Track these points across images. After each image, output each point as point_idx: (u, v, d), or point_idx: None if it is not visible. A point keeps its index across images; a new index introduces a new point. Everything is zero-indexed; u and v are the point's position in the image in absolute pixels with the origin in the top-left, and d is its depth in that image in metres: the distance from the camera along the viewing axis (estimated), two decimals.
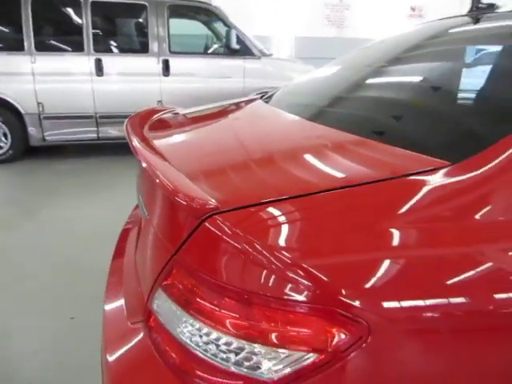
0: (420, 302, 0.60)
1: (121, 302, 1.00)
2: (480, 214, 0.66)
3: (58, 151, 4.83)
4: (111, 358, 0.83)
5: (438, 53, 1.43)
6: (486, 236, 0.66)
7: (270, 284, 0.60)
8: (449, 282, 0.62)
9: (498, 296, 0.63)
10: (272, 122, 1.32)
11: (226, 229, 0.63)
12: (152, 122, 1.22)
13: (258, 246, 0.61)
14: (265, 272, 0.60)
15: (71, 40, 4.50)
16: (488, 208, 0.67)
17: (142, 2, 4.53)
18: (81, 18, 4.35)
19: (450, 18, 1.49)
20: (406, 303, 0.60)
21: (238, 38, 4.75)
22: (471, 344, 0.63)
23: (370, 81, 1.44)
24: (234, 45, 4.72)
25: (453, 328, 0.63)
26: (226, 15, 4.86)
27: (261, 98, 1.68)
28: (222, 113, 1.53)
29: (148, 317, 0.81)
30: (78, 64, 4.41)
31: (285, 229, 0.65)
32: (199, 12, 4.96)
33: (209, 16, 5.00)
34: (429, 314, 0.61)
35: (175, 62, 4.69)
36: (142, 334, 0.82)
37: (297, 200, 0.68)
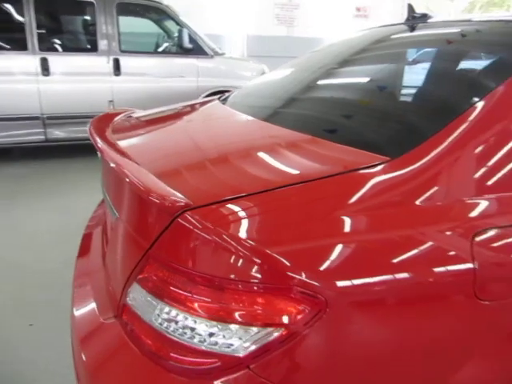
0: (369, 279, 0.70)
1: (91, 300, 1.03)
2: (419, 200, 0.77)
3: (5, 154, 4.60)
4: (87, 355, 0.87)
5: (379, 57, 1.56)
6: (426, 219, 0.77)
7: (238, 269, 0.67)
8: (393, 261, 0.72)
9: (436, 270, 0.74)
10: (230, 123, 1.39)
11: (197, 224, 0.70)
12: (115, 124, 1.25)
13: (226, 238, 0.68)
14: (233, 259, 0.67)
15: (14, 38, 4.29)
16: (426, 195, 0.78)
17: None
18: (24, 15, 4.16)
19: (390, 25, 1.64)
20: (356, 280, 0.69)
21: (190, 36, 4.75)
22: (415, 314, 0.74)
23: (319, 82, 1.55)
24: (187, 44, 4.71)
25: (398, 300, 0.73)
26: (176, 14, 4.84)
27: (218, 99, 1.75)
28: (182, 114, 1.58)
29: (122, 311, 0.85)
30: (22, 63, 4.22)
31: (249, 221, 0.72)
32: (149, 10, 4.90)
33: (159, 14, 4.95)
34: (377, 289, 0.71)
35: (126, 61, 4.62)
36: (115, 328, 0.86)
37: (258, 195, 0.76)
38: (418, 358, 0.75)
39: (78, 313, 1.01)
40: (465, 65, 1.29)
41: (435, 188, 0.79)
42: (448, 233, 0.76)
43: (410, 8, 1.50)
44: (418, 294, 0.74)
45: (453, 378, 0.77)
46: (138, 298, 0.78)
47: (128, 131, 1.27)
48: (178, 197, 0.71)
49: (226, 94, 1.79)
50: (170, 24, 5.01)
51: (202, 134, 1.29)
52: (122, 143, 1.04)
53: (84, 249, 1.33)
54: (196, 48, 4.86)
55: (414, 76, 1.37)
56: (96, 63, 4.51)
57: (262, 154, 1.01)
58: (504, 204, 0.82)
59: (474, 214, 0.79)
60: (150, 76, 4.76)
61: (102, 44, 4.50)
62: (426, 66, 1.36)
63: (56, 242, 2.60)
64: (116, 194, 0.98)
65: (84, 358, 0.86)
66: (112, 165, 0.88)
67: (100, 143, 0.98)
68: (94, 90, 4.52)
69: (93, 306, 1.01)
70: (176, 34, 4.87)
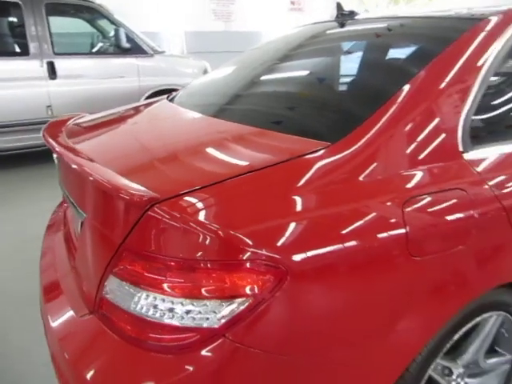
0: (321, 248, 0.81)
1: (63, 302, 1.07)
2: (361, 177, 0.90)
3: None
4: (70, 352, 0.91)
5: (314, 52, 1.70)
6: (369, 193, 0.90)
7: (207, 251, 0.76)
8: (341, 231, 0.84)
9: (378, 236, 0.87)
10: (180, 121, 1.45)
11: (166, 215, 0.77)
12: (67, 129, 1.27)
13: (193, 225, 0.76)
14: (201, 243, 0.76)
15: None
16: (366, 172, 0.91)
17: (15, 0, 4.19)
18: None
19: (322, 22, 1.77)
20: (311, 250, 0.80)
21: (127, 36, 4.66)
22: (362, 275, 0.87)
23: (262, 78, 1.65)
24: (124, 43, 4.62)
25: (347, 265, 0.85)
26: (110, 12, 4.73)
27: (166, 98, 1.80)
28: (133, 114, 1.62)
29: (99, 305, 0.91)
30: None
31: (211, 209, 0.81)
32: (81, 10, 4.73)
33: (92, 14, 4.80)
34: (328, 256, 0.82)
35: (61, 64, 4.44)
36: (93, 323, 0.92)
37: (217, 186, 0.84)
38: (366, 312, 0.88)
39: (52, 315, 1.04)
40: (390, 55, 1.44)
41: (373, 165, 0.92)
42: (385, 202, 0.90)
43: (339, 6, 1.65)
44: (364, 258, 0.86)
45: (396, 325, 0.92)
46: (115, 289, 0.84)
47: (82, 135, 1.29)
48: (147, 192, 0.78)
49: (174, 94, 1.84)
50: (104, 23, 4.88)
51: (155, 133, 1.35)
52: (80, 146, 1.08)
53: (47, 251, 1.34)
54: (134, 47, 4.78)
55: (347, 68, 1.51)
56: (28, 67, 4.30)
57: (214, 148, 1.09)
58: (432, 174, 0.97)
59: (406, 184, 0.93)
60: (88, 78, 4.62)
61: (33, 47, 4.30)
62: (357, 58, 1.52)
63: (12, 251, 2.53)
64: (82, 195, 1.02)
65: (67, 355, 0.90)
66: (76, 167, 0.92)
67: (59, 148, 1.01)
68: (28, 95, 4.31)
69: (66, 306, 1.05)
70: (112, 34, 4.76)
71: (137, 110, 1.66)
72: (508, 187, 1.04)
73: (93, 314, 0.94)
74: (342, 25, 1.64)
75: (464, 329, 1.06)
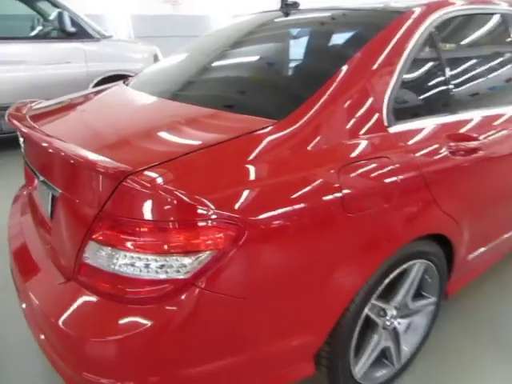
0: (273, 209, 0.97)
1: (41, 276, 1.16)
2: (303, 148, 1.06)
3: None
4: (56, 317, 1.00)
5: (263, 38, 1.85)
6: (310, 161, 1.06)
7: (176, 214, 0.89)
8: (291, 195, 1.00)
9: (321, 197, 1.04)
10: (140, 103, 1.55)
11: (138, 184, 0.89)
12: (30, 113, 1.33)
13: (162, 192, 0.89)
14: (171, 207, 0.89)
15: None
16: (308, 144, 1.07)
17: None
18: None
19: (269, 11, 1.91)
20: (264, 211, 0.96)
21: (72, 19, 4.52)
22: (307, 232, 1.03)
23: (215, 63, 1.77)
24: (69, 27, 4.49)
25: (295, 223, 1.01)
26: None
27: (123, 82, 1.88)
28: (92, 97, 1.69)
29: (78, 272, 1.02)
30: None
31: (178, 178, 0.93)
32: None
33: None
34: (279, 216, 0.98)
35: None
36: (72, 287, 1.03)
37: (181, 159, 0.97)
38: (311, 261, 1.06)
39: (32, 289, 1.13)
40: (328, 41, 1.62)
41: (314, 138, 1.09)
42: (323, 169, 1.07)
43: None
44: (307, 215, 1.03)
45: (336, 272, 1.10)
46: (94, 253, 0.95)
47: (47, 118, 1.35)
48: (122, 166, 0.89)
49: (130, 79, 1.92)
50: (44, 5, 4.69)
51: (117, 114, 1.44)
52: (49, 128, 1.16)
53: (15, 230, 1.41)
54: (80, 31, 4.65)
55: (291, 53, 1.67)
56: None
57: (174, 127, 1.21)
58: (362, 145, 1.15)
59: (340, 153, 1.11)
60: (30, 64, 4.44)
61: None
62: (301, 43, 1.68)
63: None
64: (56, 173, 1.11)
65: (53, 320, 0.99)
66: (51, 147, 1.01)
67: (29, 130, 1.09)
68: None
69: (43, 277, 1.14)
70: (52, 17, 4.58)
71: (96, 94, 1.72)
72: (425, 155, 1.26)
73: (71, 280, 1.04)
74: (287, 14, 1.78)
75: (392, 275, 1.28)
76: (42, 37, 4.67)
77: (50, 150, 1.01)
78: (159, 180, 0.91)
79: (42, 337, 1.08)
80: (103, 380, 0.95)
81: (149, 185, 0.89)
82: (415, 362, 1.58)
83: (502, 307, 1.92)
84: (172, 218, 0.89)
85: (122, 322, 0.93)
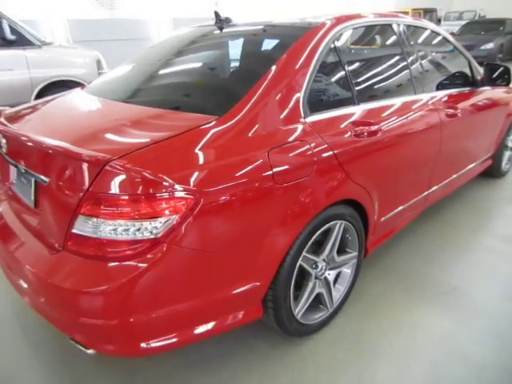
0: (221, 185, 1.28)
1: (30, 251, 1.40)
2: (248, 133, 1.38)
3: None
4: (54, 280, 1.25)
5: (202, 48, 2.16)
6: (246, 146, 1.38)
7: (147, 187, 1.18)
8: (234, 173, 1.31)
9: (260, 174, 1.36)
10: (101, 105, 1.79)
11: (117, 168, 1.17)
12: (5, 117, 1.56)
13: (134, 173, 1.18)
14: (143, 183, 1.18)
15: None
16: (251, 131, 1.40)
17: None
18: None
19: (206, 25, 2.23)
20: (214, 186, 1.27)
21: (10, 27, 4.54)
22: (248, 201, 1.36)
23: (161, 70, 2.06)
24: (9, 35, 4.51)
25: (238, 195, 1.33)
26: None
27: (81, 88, 2.11)
28: (55, 102, 1.92)
29: (67, 242, 1.27)
30: None
31: (147, 162, 1.21)
32: None
33: None
34: (225, 189, 1.29)
35: None
36: (63, 255, 1.28)
37: (146, 148, 1.25)
38: (252, 223, 1.39)
39: (25, 263, 1.36)
40: (259, 47, 1.97)
41: (248, 128, 1.42)
42: (257, 151, 1.40)
43: (216, 14, 2.12)
44: (247, 187, 1.35)
45: (272, 230, 1.44)
46: (82, 224, 1.22)
47: (23, 120, 1.58)
48: (103, 155, 1.17)
49: (87, 85, 2.15)
50: None
51: (82, 114, 1.71)
52: (30, 128, 1.40)
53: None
54: (20, 38, 4.67)
55: (227, 60, 2.01)
56: None
57: (133, 124, 1.49)
58: (285, 131, 1.49)
59: (269, 139, 1.45)
60: None
61: None
62: (235, 51, 2.02)
63: None
64: (42, 165, 1.35)
65: (51, 282, 1.24)
66: (37, 144, 1.26)
67: (13, 130, 1.33)
68: None
69: (34, 253, 1.38)
70: None
71: (58, 99, 1.95)
72: (334, 138, 1.63)
73: (61, 251, 1.30)
74: (221, 28, 2.10)
75: (318, 232, 1.64)
76: None
77: (39, 146, 1.26)
78: (131, 165, 1.19)
79: (42, 299, 1.33)
80: (95, 321, 1.22)
81: (124, 168, 1.18)
82: (347, 306, 1.97)
83: (415, 261, 2.38)
84: (143, 192, 1.18)
85: (107, 275, 1.21)
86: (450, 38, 2.62)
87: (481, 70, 2.83)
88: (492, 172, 3.44)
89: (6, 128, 1.37)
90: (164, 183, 1.19)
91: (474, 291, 2.11)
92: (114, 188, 1.18)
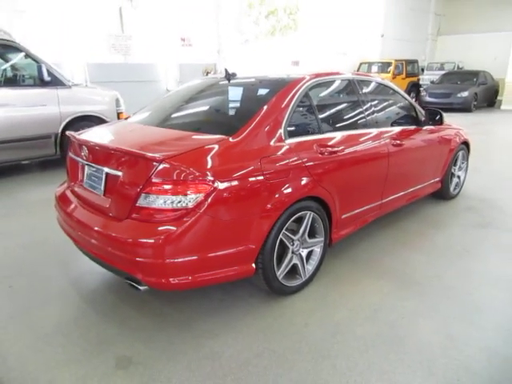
0: (231, 178, 2.06)
1: (98, 220, 2.16)
2: (249, 147, 2.19)
3: None
4: (122, 235, 2.00)
5: (213, 93, 3.03)
6: (247, 155, 2.17)
7: (185, 177, 1.96)
8: (238, 172, 2.10)
9: (254, 174, 2.14)
10: (145, 128, 2.61)
11: (169, 164, 1.95)
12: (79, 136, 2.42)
13: (180, 167, 1.96)
14: (183, 174, 1.95)
15: None
16: (246, 147, 2.20)
17: None
18: None
19: (217, 77, 3.11)
20: (226, 178, 2.04)
21: (47, 70, 5.44)
22: (248, 192, 2.13)
23: (187, 105, 2.90)
24: (46, 77, 5.40)
25: (239, 187, 2.10)
26: (29, 50, 5.45)
27: (125, 119, 2.95)
28: (113, 127, 2.78)
29: (130, 213, 2.03)
30: None
31: (186, 161, 1.99)
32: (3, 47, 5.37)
33: (5, 49, 5.45)
34: (233, 184, 2.07)
35: None
36: (129, 221, 2.03)
37: (188, 152, 2.05)
38: (249, 208, 2.16)
39: (98, 227, 2.12)
40: (253, 95, 2.83)
41: (249, 144, 2.22)
42: (255, 160, 2.19)
43: (226, 70, 2.99)
44: (247, 182, 2.13)
45: (263, 213, 2.20)
46: (146, 198, 1.98)
47: (95, 136, 2.41)
48: (161, 156, 1.96)
49: (131, 116, 2.99)
50: (13, 56, 5.56)
51: (136, 133, 2.54)
52: (105, 140, 2.22)
53: (65, 202, 2.40)
54: (54, 80, 5.57)
55: (235, 101, 2.86)
56: None
57: (176, 138, 2.30)
58: (272, 148, 2.29)
59: (261, 152, 2.24)
60: (12, 106, 5.25)
61: None
62: (238, 96, 2.88)
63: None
64: (116, 163, 2.13)
65: (120, 237, 1.99)
66: (114, 150, 2.09)
67: (93, 142, 2.15)
68: None
69: (104, 222, 2.14)
70: (21, 66, 5.47)
71: (115, 125, 2.82)
72: (305, 154, 2.43)
73: (126, 219, 2.05)
74: (229, 79, 2.97)
75: (292, 218, 2.40)
76: (25, 84, 5.52)
77: (117, 151, 2.07)
78: (178, 162, 1.98)
79: (110, 249, 2.06)
80: (148, 260, 1.96)
81: (173, 164, 1.96)
82: (317, 279, 2.69)
83: (372, 253, 3.13)
84: (184, 178, 1.95)
85: (158, 230, 1.96)
86: (396, 88, 3.52)
87: (423, 112, 3.71)
88: (442, 194, 4.25)
89: (87, 140, 2.22)
90: (196, 174, 1.97)
91: (411, 272, 2.85)
92: (167, 176, 1.95)
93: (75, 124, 5.91)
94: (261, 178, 2.18)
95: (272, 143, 2.33)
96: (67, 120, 5.78)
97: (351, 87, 3.06)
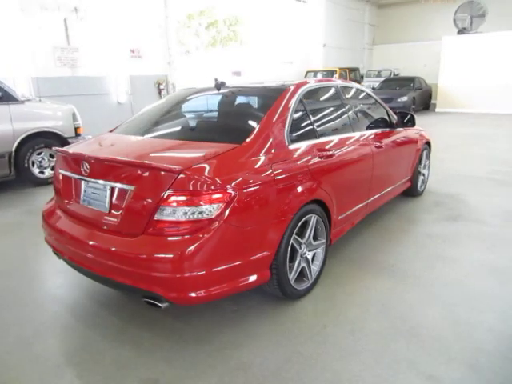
0: (245, 190, 2.05)
1: (107, 239, 2.06)
2: (254, 156, 2.19)
3: None
4: (138, 252, 1.92)
5: (209, 102, 3.01)
6: (258, 161, 2.18)
7: (205, 187, 1.92)
8: (252, 178, 2.10)
9: (266, 179, 2.15)
10: (141, 139, 2.52)
11: (186, 175, 1.91)
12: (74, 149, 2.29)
13: (197, 178, 1.92)
14: (202, 184, 1.92)
15: None
16: (263, 151, 2.21)
17: None
18: None
19: (208, 87, 3.09)
20: (241, 189, 2.03)
21: None
22: (261, 197, 2.14)
23: (181, 119, 2.85)
24: None
25: (255, 194, 2.11)
26: None
27: (110, 131, 2.84)
28: (106, 138, 2.66)
29: (147, 228, 1.95)
30: None
31: (203, 171, 1.96)
32: None
33: None
34: (248, 191, 2.07)
35: None
36: (144, 237, 1.96)
37: (203, 163, 2.01)
38: (264, 213, 2.16)
39: (109, 246, 2.01)
40: (256, 101, 2.86)
41: (257, 151, 2.23)
42: (265, 165, 2.20)
43: (216, 80, 2.98)
44: (260, 188, 2.13)
45: (276, 218, 2.22)
46: (164, 211, 1.91)
47: (95, 148, 2.29)
48: (178, 167, 1.91)
49: (115, 128, 2.88)
50: None
51: (137, 144, 2.44)
52: (105, 153, 2.13)
53: (72, 229, 2.25)
54: (6, 95, 5.20)
55: (236, 109, 2.88)
56: None
57: (183, 149, 2.25)
58: (277, 153, 2.32)
59: (270, 157, 2.26)
60: None
61: None
62: (240, 103, 2.90)
63: None
64: (127, 177, 2.03)
65: (140, 255, 1.91)
66: (123, 163, 2.00)
67: (94, 154, 2.06)
68: None
69: (114, 240, 2.03)
70: None
71: (105, 136, 2.70)
72: (307, 159, 2.49)
73: (141, 235, 1.97)
74: (219, 88, 2.97)
75: (300, 222, 2.44)
76: None
77: (126, 164, 1.99)
78: (195, 173, 1.94)
79: (123, 267, 1.96)
80: (169, 275, 1.89)
81: (191, 175, 1.92)
82: (320, 281, 2.75)
83: (364, 251, 3.25)
84: (202, 189, 1.92)
85: (178, 244, 1.90)
86: (372, 94, 3.72)
87: (395, 116, 3.94)
88: (411, 192, 4.52)
89: (85, 154, 2.13)
90: (217, 183, 1.95)
91: (404, 266, 3.00)
92: (185, 186, 1.91)
93: (30, 141, 5.55)
94: (273, 183, 2.20)
95: (279, 149, 2.36)
96: (21, 137, 5.41)
97: (337, 93, 3.18)
